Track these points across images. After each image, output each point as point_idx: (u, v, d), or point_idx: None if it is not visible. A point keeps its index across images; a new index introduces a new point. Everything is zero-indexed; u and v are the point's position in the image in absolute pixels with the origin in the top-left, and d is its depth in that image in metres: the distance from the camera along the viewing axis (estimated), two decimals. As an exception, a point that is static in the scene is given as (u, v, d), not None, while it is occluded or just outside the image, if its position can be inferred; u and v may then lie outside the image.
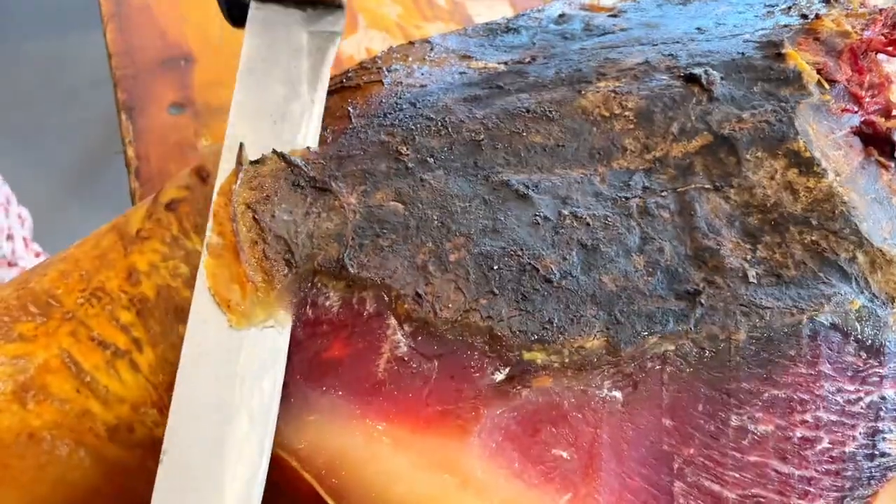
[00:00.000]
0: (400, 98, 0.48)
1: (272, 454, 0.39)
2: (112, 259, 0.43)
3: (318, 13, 0.52)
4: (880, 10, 0.53)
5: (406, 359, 0.39)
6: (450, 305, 0.40)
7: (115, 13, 0.80)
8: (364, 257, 0.41)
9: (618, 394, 0.40)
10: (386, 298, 0.40)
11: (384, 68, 0.52)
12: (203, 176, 0.45)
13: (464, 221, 0.42)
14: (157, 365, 0.41)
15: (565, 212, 0.43)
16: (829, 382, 0.41)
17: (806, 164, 0.45)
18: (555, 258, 0.41)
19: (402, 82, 0.50)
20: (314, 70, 0.49)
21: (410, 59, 0.54)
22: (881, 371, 0.42)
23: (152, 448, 0.41)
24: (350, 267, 0.41)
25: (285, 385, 0.40)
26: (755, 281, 0.42)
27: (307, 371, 0.40)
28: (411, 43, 0.56)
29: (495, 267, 0.41)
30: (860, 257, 0.43)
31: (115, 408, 0.40)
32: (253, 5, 0.51)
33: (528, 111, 0.47)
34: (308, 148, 0.46)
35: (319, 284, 0.41)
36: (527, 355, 0.39)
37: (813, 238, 0.43)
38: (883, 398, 0.42)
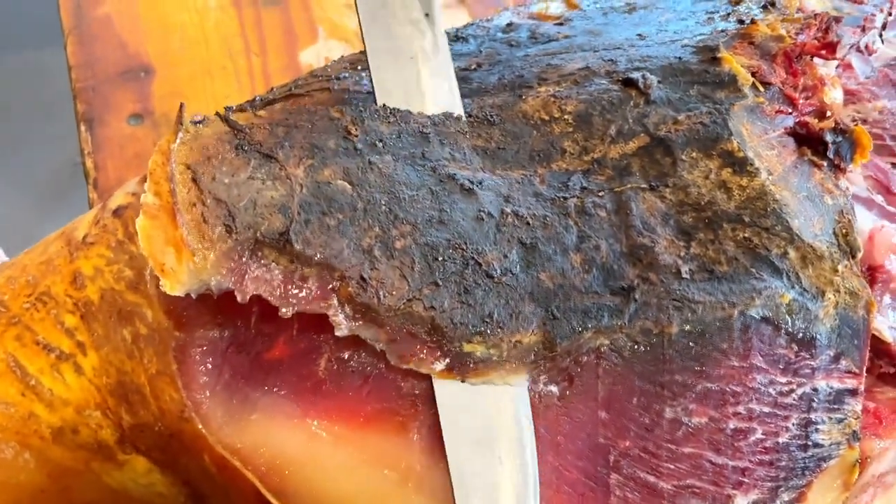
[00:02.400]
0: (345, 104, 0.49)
1: (214, 452, 0.40)
2: (58, 265, 0.43)
3: None
4: (815, 14, 0.55)
5: (346, 357, 0.40)
6: (394, 293, 0.40)
7: (75, 26, 0.80)
8: (310, 234, 0.41)
9: (554, 388, 0.41)
10: (329, 279, 0.40)
11: (333, 76, 0.53)
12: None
13: (411, 210, 0.43)
14: (100, 367, 0.42)
15: (507, 210, 0.44)
16: (762, 374, 0.42)
17: (739, 164, 0.46)
18: (497, 254, 0.42)
19: (349, 89, 0.51)
20: (427, 5, 0.51)
21: (359, 67, 0.54)
22: (813, 363, 0.43)
23: (97, 450, 0.41)
24: (295, 242, 0.40)
25: (228, 384, 0.40)
26: (688, 277, 0.43)
27: (249, 371, 0.40)
28: (362, 52, 0.57)
29: (440, 258, 0.41)
30: (791, 253, 0.44)
31: (59, 410, 0.41)
32: None
33: (470, 115, 0.48)
34: (254, 111, 0.46)
35: (261, 255, 0.40)
36: (467, 347, 0.40)
37: (745, 235, 0.44)
38: (815, 390, 0.43)
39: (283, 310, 0.39)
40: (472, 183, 0.44)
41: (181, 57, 0.79)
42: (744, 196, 0.45)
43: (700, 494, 0.41)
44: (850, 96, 0.57)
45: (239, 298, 0.39)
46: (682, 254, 0.43)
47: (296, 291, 0.40)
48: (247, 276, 0.40)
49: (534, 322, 0.41)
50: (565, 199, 0.45)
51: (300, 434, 0.39)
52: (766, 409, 0.42)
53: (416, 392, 0.40)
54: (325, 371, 0.40)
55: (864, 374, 0.44)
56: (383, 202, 0.42)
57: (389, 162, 0.44)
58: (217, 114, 0.44)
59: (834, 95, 0.53)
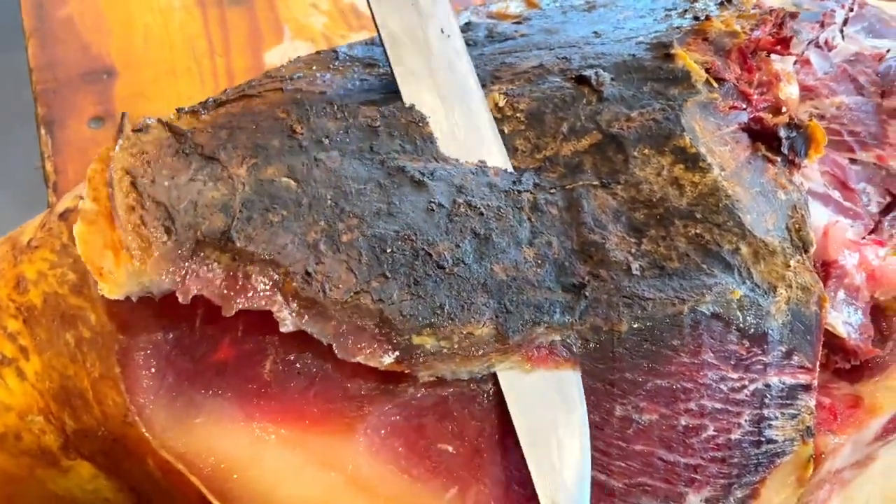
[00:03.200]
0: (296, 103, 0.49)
1: (157, 457, 0.39)
2: (2, 269, 0.43)
3: None
4: (770, 10, 0.55)
5: (292, 359, 0.40)
6: (340, 286, 0.40)
7: (37, 28, 0.79)
8: (252, 231, 0.40)
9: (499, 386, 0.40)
10: (274, 275, 0.40)
11: (286, 77, 0.53)
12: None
13: (358, 203, 0.42)
14: (43, 372, 0.41)
15: (460, 200, 0.43)
16: (713, 371, 0.42)
17: (692, 160, 0.46)
18: (448, 245, 0.42)
19: (302, 89, 0.51)
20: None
21: (315, 67, 0.54)
22: (765, 359, 0.43)
23: (40, 455, 0.41)
24: (236, 239, 0.40)
25: (171, 387, 0.40)
26: (638, 273, 0.43)
27: (193, 374, 0.40)
28: (318, 52, 0.56)
29: (388, 250, 0.41)
30: (743, 248, 0.44)
31: (1, 416, 0.40)
32: None
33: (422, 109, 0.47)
34: (197, 116, 0.46)
35: (203, 255, 0.40)
36: (416, 339, 0.39)
37: (697, 231, 0.44)
38: (768, 385, 0.43)
39: (226, 309, 0.39)
40: (422, 174, 0.44)
41: (144, 58, 0.78)
42: (696, 192, 0.45)
43: (652, 492, 0.40)
44: (808, 92, 0.57)
45: (181, 299, 0.39)
46: (633, 250, 0.43)
47: (239, 290, 0.39)
48: (188, 277, 0.39)
49: (486, 314, 0.40)
50: (519, 192, 0.44)
51: (245, 437, 0.39)
52: (718, 406, 0.42)
53: (363, 393, 0.39)
54: (271, 373, 0.40)
55: (818, 370, 0.44)
56: (329, 197, 0.42)
57: (336, 157, 0.44)
58: (159, 119, 0.44)
59: (789, 91, 0.53)
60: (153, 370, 0.40)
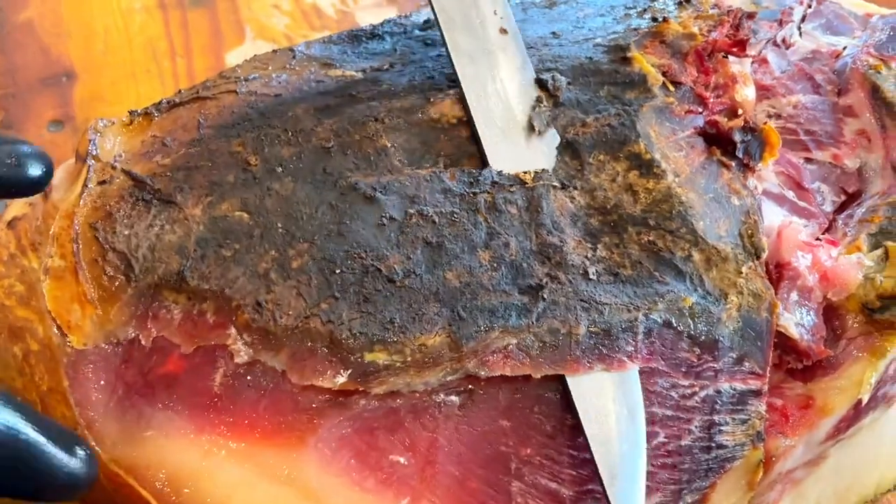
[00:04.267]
0: (251, 108, 0.49)
1: (108, 470, 0.39)
2: (-51, 281, 0.42)
3: None
4: (728, 10, 0.55)
5: (242, 371, 0.40)
6: (290, 312, 0.40)
7: (-5, 30, 0.78)
8: (206, 268, 0.41)
9: (455, 398, 0.40)
10: (226, 309, 0.40)
11: (241, 78, 0.52)
12: (46, 192, 0.45)
13: (309, 227, 0.43)
14: (-11, 387, 0.41)
15: (412, 211, 0.43)
16: (663, 378, 0.42)
17: (646, 166, 0.46)
18: (399, 257, 0.42)
19: (256, 92, 0.50)
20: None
21: (270, 67, 0.54)
22: (715, 365, 0.43)
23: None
24: (190, 279, 0.41)
25: (121, 401, 0.40)
26: (595, 278, 0.43)
27: (144, 387, 0.40)
28: (274, 51, 0.56)
29: (338, 271, 0.41)
30: (696, 255, 0.44)
31: (-52, 433, 0.40)
32: None
33: (376, 119, 0.47)
34: (150, 116, 0.48)
35: (161, 298, 0.41)
36: (368, 356, 0.40)
37: (650, 238, 0.44)
38: (718, 392, 0.43)
39: (184, 348, 0.40)
40: (374, 189, 0.44)
41: (104, 61, 0.77)
42: (650, 199, 0.45)
43: (602, 500, 0.41)
44: (765, 91, 0.57)
45: (143, 342, 0.40)
46: (590, 255, 0.43)
47: (195, 327, 0.40)
48: (149, 321, 0.41)
49: (438, 323, 0.41)
50: (475, 194, 0.44)
51: (196, 450, 0.39)
52: (669, 413, 0.42)
53: (314, 406, 0.39)
54: (221, 386, 0.39)
55: (768, 375, 0.44)
56: (280, 225, 0.43)
57: (289, 184, 0.44)
58: (122, 169, 0.45)
59: (745, 93, 0.53)
60: (102, 383, 0.40)
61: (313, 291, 0.41)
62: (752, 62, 0.57)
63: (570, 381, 0.41)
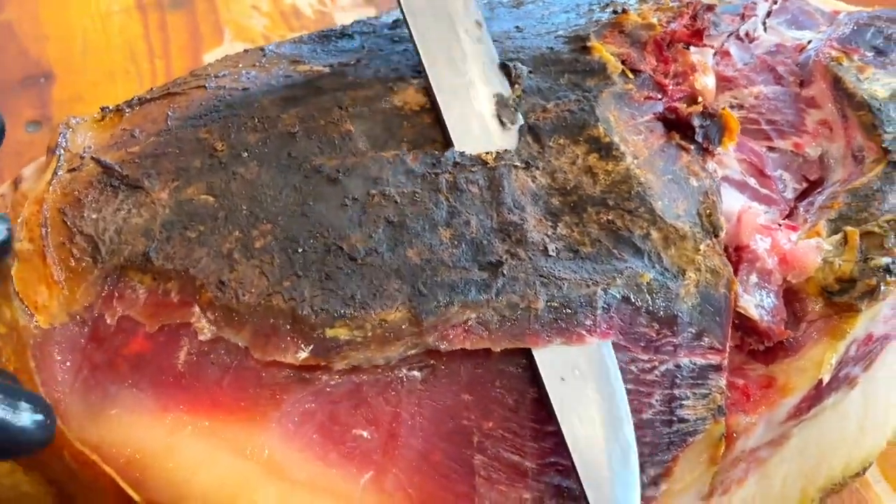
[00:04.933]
0: (219, 101, 0.49)
1: (73, 449, 0.39)
2: (-82, 266, 0.43)
3: None
4: (688, 3, 0.56)
5: (205, 349, 0.40)
6: (252, 290, 0.41)
7: (-26, 33, 0.79)
8: (171, 249, 0.42)
9: (417, 373, 0.41)
10: (190, 289, 0.41)
11: (211, 75, 0.53)
12: (16, 182, 0.46)
13: (272, 209, 0.43)
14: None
15: (374, 191, 0.44)
16: (622, 352, 0.43)
17: (605, 149, 0.47)
18: (361, 236, 0.43)
19: (225, 87, 0.51)
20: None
21: (241, 65, 0.55)
22: (675, 340, 0.44)
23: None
24: (155, 259, 0.42)
25: (87, 380, 0.40)
26: (554, 254, 0.44)
27: (109, 366, 0.40)
28: (245, 51, 0.57)
29: (300, 250, 0.42)
30: (654, 234, 0.45)
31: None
32: None
33: (340, 107, 0.48)
34: (121, 112, 0.49)
35: (127, 279, 0.42)
36: (329, 332, 0.40)
37: (609, 217, 0.45)
38: (678, 366, 0.44)
39: (150, 326, 0.41)
40: (338, 171, 0.45)
41: (83, 62, 0.78)
42: (609, 180, 0.46)
43: (564, 471, 0.41)
44: (728, 83, 0.58)
45: (108, 321, 0.41)
46: (550, 233, 0.44)
47: (159, 306, 0.41)
48: (115, 300, 0.41)
49: (399, 299, 0.41)
50: (437, 174, 0.45)
51: (160, 427, 0.39)
52: (629, 387, 0.43)
53: (277, 381, 0.40)
54: (185, 364, 0.40)
55: (727, 350, 0.45)
56: (244, 207, 0.43)
57: (254, 168, 0.45)
58: (92, 157, 0.46)
59: (705, 81, 0.54)
60: (68, 364, 0.40)
61: (276, 270, 0.42)
62: (715, 54, 0.58)
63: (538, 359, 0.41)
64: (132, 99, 0.52)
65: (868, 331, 0.50)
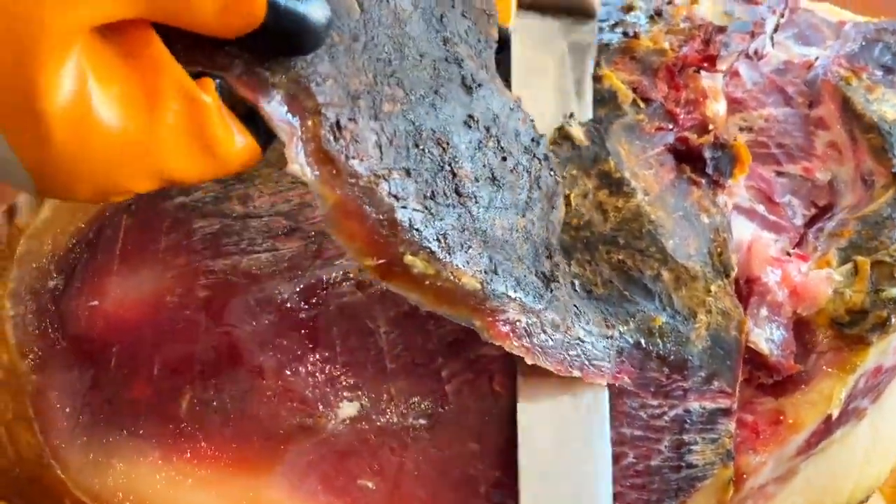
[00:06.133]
0: None
1: (74, 497, 0.39)
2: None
3: (574, 22, 0.53)
4: (700, 25, 0.55)
5: (208, 398, 0.39)
6: (364, 160, 0.34)
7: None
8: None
9: (423, 420, 0.40)
10: (302, 104, 0.33)
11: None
12: (10, 213, 0.45)
13: (410, 74, 0.37)
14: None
15: (493, 131, 0.40)
16: (632, 399, 0.42)
17: (616, 185, 0.46)
18: (470, 173, 0.38)
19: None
20: (579, 83, 0.50)
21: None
22: (684, 385, 0.43)
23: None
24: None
25: (87, 427, 0.39)
26: (578, 290, 0.42)
27: (109, 413, 0.40)
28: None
29: (420, 146, 0.36)
30: (665, 274, 0.44)
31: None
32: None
33: None
34: None
35: None
36: (408, 258, 0.35)
37: (620, 257, 0.44)
38: (688, 411, 0.43)
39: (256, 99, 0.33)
40: (473, 81, 0.40)
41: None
42: (619, 217, 0.45)
43: (572, 521, 0.41)
44: (737, 105, 0.57)
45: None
46: (567, 269, 0.43)
47: (262, 95, 0.33)
48: None
49: (479, 265, 0.37)
50: (533, 155, 0.42)
51: (162, 478, 0.39)
52: (638, 433, 0.42)
53: (280, 431, 0.39)
54: (187, 412, 0.39)
55: (737, 394, 0.45)
56: (385, 48, 0.36)
57: (408, 6, 0.37)
58: None
59: (716, 108, 0.53)
60: (68, 410, 0.40)
61: (391, 151, 0.35)
62: (724, 76, 0.57)
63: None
64: None
65: (878, 363, 0.49)
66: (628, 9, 0.58)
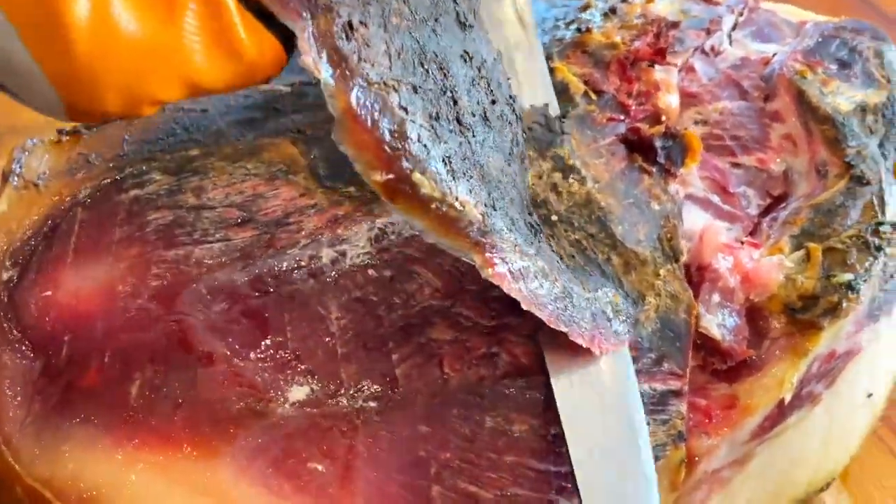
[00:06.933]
0: (176, 123, 0.49)
1: (25, 484, 0.39)
2: None
3: None
4: (653, 20, 0.56)
5: (158, 384, 0.40)
6: (375, 64, 0.34)
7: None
8: None
9: (373, 403, 0.41)
10: (314, 2, 0.33)
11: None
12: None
13: None
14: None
15: (484, 72, 0.40)
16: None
17: (568, 170, 0.47)
18: (467, 106, 0.38)
19: (183, 108, 0.51)
20: None
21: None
22: (635, 366, 0.44)
23: None
24: None
25: (39, 415, 0.40)
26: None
27: (61, 401, 0.40)
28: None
29: (425, 65, 0.36)
30: (614, 259, 0.45)
31: None
32: None
33: (300, 130, 0.48)
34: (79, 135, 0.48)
35: None
36: (416, 177, 0.34)
37: (576, 237, 0.45)
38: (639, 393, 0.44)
39: None
40: (465, 19, 0.40)
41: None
42: (571, 202, 0.46)
43: (523, 502, 0.41)
44: (692, 98, 0.58)
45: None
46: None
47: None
48: None
49: (480, 196, 0.36)
50: (513, 109, 0.42)
51: (114, 463, 0.39)
52: (588, 414, 0.42)
53: (230, 416, 0.39)
54: (137, 398, 0.39)
55: (688, 376, 0.45)
56: None
57: None
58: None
59: (668, 100, 0.54)
60: (19, 399, 0.40)
61: (399, 64, 0.35)
62: (680, 70, 0.58)
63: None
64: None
65: (830, 348, 0.50)
66: (585, 7, 0.59)
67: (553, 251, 0.42)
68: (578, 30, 0.54)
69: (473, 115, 0.38)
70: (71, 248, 0.43)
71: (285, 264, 0.43)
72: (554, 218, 0.45)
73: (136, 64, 0.31)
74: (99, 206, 0.45)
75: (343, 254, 0.43)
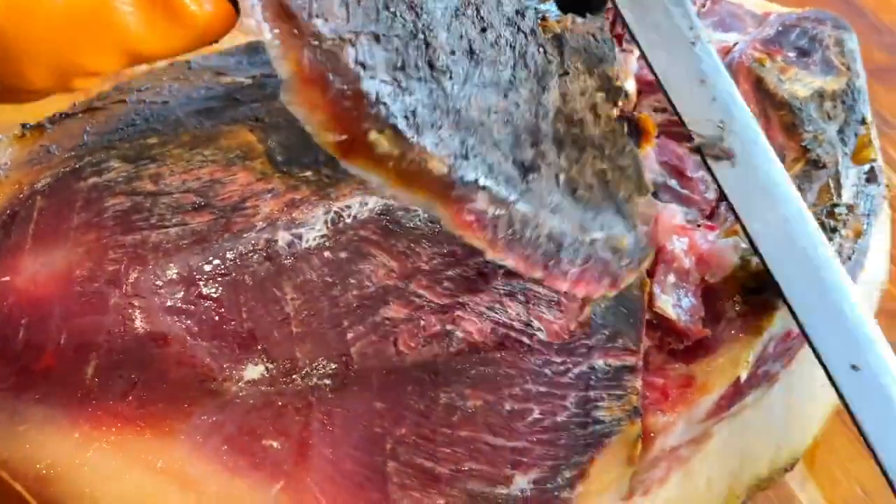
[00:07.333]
0: (137, 115, 0.49)
1: (-18, 468, 0.39)
2: None
3: None
4: (608, 8, 0.57)
5: (113, 364, 0.40)
6: (329, 19, 0.32)
7: None
8: None
9: (328, 381, 0.41)
10: None
11: (134, 88, 0.53)
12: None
13: None
14: None
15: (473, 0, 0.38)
16: (535, 356, 0.43)
17: (614, 92, 0.46)
18: (445, 45, 0.36)
19: (146, 101, 0.51)
20: None
21: (165, 78, 0.55)
22: (589, 342, 0.44)
23: None
24: None
25: (-6, 398, 0.40)
26: (562, 185, 0.40)
27: (17, 383, 0.40)
28: (171, 64, 0.57)
29: (391, 9, 0.34)
30: (637, 199, 0.45)
31: None
32: None
33: (258, 118, 0.48)
34: (42, 129, 0.48)
35: None
36: (372, 136, 0.33)
37: (602, 167, 0.44)
38: (593, 368, 0.44)
39: None
40: None
41: None
42: (609, 127, 0.44)
43: (478, 476, 0.42)
44: (651, 87, 0.59)
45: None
46: (556, 160, 0.41)
47: None
48: None
49: (449, 148, 0.35)
50: (519, 28, 0.40)
51: (69, 443, 0.39)
52: (543, 389, 0.43)
53: (185, 394, 0.40)
54: (93, 379, 0.40)
55: (642, 351, 0.46)
56: None
57: None
58: None
59: (626, 87, 0.55)
60: (-25, 380, 0.40)
61: (359, 12, 0.33)
62: (638, 58, 0.59)
63: None
64: (54, 115, 0.52)
65: (786, 328, 0.51)
66: (544, -1, 0.60)
67: (559, 184, 0.40)
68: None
69: (454, 53, 0.36)
70: (29, 236, 0.44)
71: (241, 248, 0.43)
72: (584, 142, 0.42)
73: (61, 34, 0.29)
74: (57, 194, 0.45)
75: (299, 237, 0.44)
